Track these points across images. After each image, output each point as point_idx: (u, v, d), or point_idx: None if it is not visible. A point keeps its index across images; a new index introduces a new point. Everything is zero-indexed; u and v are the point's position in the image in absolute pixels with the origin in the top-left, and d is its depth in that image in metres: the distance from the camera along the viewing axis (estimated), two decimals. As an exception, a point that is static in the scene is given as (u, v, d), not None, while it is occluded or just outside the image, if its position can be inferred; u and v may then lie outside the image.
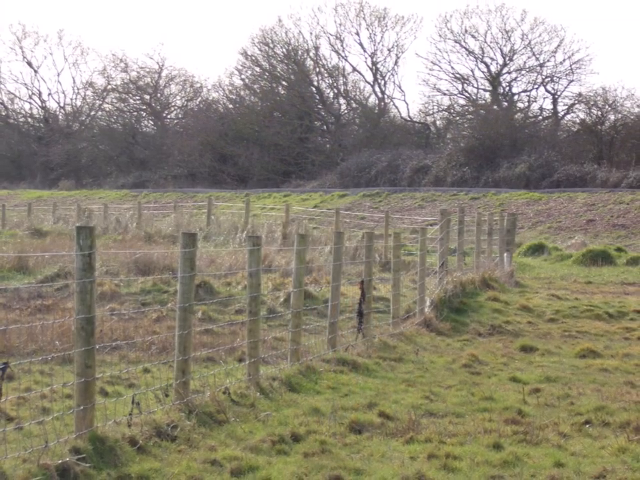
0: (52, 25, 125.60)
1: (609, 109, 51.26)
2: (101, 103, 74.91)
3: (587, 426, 8.63)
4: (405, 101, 70.33)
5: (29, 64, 76.52)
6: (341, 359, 11.46)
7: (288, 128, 60.34)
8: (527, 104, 61.73)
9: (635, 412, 9.11)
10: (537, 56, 60.52)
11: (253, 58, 64.98)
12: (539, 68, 60.57)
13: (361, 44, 65.25)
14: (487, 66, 61.82)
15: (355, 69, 65.74)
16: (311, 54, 65.29)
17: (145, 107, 72.68)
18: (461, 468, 7.14)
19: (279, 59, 64.85)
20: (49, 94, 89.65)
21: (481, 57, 61.66)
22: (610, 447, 7.80)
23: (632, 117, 49.82)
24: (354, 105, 65.81)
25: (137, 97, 72.52)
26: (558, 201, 39.66)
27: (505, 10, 61.56)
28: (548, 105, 61.66)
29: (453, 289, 17.33)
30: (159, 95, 72.60)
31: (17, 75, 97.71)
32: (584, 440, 8.12)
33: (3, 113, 76.63)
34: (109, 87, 73.26)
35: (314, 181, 54.15)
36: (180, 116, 72.68)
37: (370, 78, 65.37)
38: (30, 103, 77.11)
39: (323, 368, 10.97)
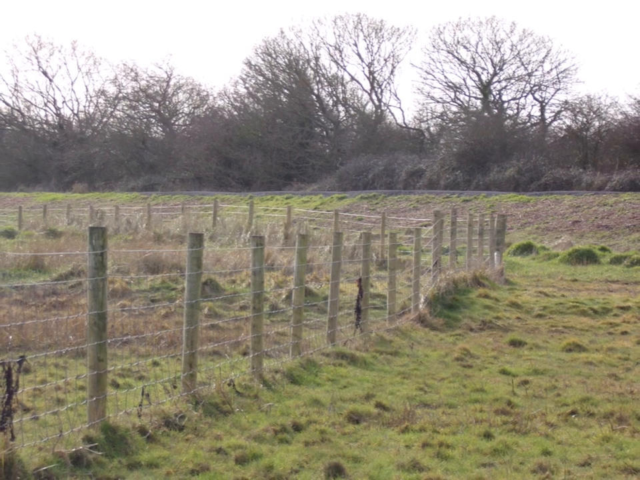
0: (66, 36, 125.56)
1: (594, 115, 51.24)
2: (112, 110, 74.89)
3: (573, 416, 8.62)
4: (400, 108, 70.15)
5: (45, 73, 76.49)
6: (339, 353, 11.45)
7: (289, 134, 60.29)
8: (515, 111, 61.74)
9: (618, 403, 9.11)
10: (526, 65, 60.51)
11: (257, 67, 64.95)
12: (527, 77, 60.55)
13: (358, 54, 65.24)
14: (478, 75, 61.81)
15: (353, 78, 65.73)
16: (312, 64, 65.26)
17: (154, 114, 72.62)
18: (453, 456, 7.14)
19: (281, 68, 64.80)
20: (63, 102, 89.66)
21: (472, 66, 61.63)
22: (595, 436, 7.80)
23: (615, 124, 49.79)
24: (352, 112, 65.76)
25: (147, 105, 72.47)
26: (545, 203, 39.62)
27: (495, 22, 61.51)
28: (536, 112, 61.68)
29: (446, 286, 17.32)
30: (167, 102, 72.54)
31: (33, 83, 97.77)
32: (570, 429, 8.12)
33: (20, 120, 76.61)
34: (120, 95, 73.26)
35: (314, 184, 54.08)
36: (187, 122, 72.64)
37: (367, 86, 65.37)
38: (45, 110, 77.12)
39: (323, 361, 10.96)
